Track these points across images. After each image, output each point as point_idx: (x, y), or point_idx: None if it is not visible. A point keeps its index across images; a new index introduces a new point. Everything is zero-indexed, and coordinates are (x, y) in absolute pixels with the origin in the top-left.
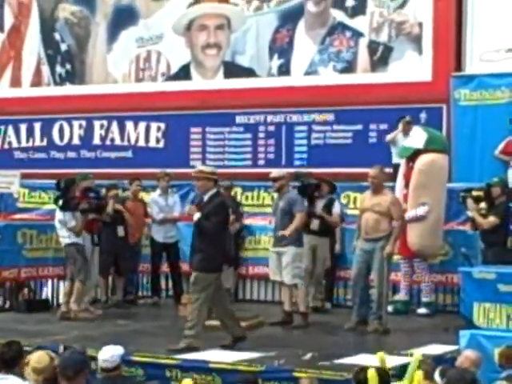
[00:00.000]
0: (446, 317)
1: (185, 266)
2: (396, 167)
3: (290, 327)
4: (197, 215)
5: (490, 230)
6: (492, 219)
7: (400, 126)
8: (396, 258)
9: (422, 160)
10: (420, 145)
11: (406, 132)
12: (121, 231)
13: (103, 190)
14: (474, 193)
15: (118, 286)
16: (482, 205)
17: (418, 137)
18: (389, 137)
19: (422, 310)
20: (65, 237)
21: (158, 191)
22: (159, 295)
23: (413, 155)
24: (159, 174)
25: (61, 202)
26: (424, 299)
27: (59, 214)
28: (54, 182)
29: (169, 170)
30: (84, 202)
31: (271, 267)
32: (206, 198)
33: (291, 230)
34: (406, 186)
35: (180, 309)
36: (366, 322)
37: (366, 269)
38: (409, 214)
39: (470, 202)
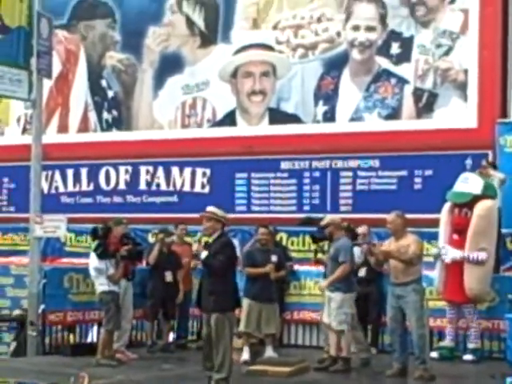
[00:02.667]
0: (493, 363)
1: None
2: None
3: (330, 371)
4: (204, 253)
5: None
6: None
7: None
8: (441, 304)
9: (483, 206)
10: (478, 191)
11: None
12: (169, 276)
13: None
14: None
15: (165, 330)
16: None
17: (474, 182)
18: None
19: (468, 357)
20: (102, 284)
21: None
22: None
23: (469, 201)
24: (201, 215)
25: (100, 250)
26: (470, 345)
27: (96, 262)
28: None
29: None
30: (123, 249)
31: (324, 310)
32: (212, 238)
33: (329, 282)
34: (455, 231)
35: None
36: (406, 369)
37: (400, 314)
38: (469, 256)
39: None
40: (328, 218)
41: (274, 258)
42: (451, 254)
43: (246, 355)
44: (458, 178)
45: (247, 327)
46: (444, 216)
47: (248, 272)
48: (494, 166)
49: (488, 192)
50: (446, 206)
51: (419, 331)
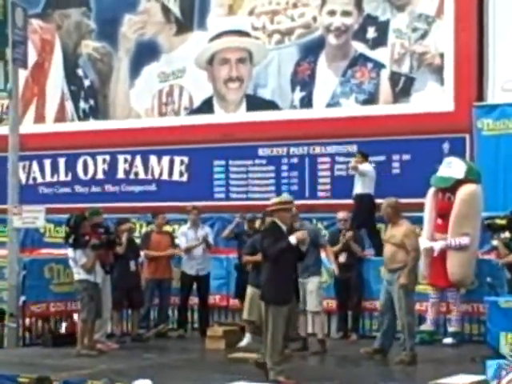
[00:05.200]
0: (473, 347)
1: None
2: (358, 197)
3: (308, 353)
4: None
5: None
6: None
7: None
8: (423, 287)
9: (465, 190)
10: (461, 175)
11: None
12: (133, 265)
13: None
14: (498, 221)
15: (135, 320)
16: (506, 234)
17: (457, 167)
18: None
19: (449, 340)
20: (76, 273)
21: (188, 224)
22: (185, 328)
23: (452, 185)
24: (188, 207)
25: (71, 240)
26: (451, 329)
27: (70, 252)
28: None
29: (192, 203)
30: (94, 238)
31: None
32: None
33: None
34: (439, 216)
35: (207, 342)
36: (385, 352)
37: (390, 299)
38: (450, 243)
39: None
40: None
41: None
42: (437, 247)
43: (245, 341)
44: (442, 163)
45: (250, 315)
46: (428, 201)
47: (245, 260)
48: (366, 157)
49: (471, 176)
50: (431, 191)
51: (404, 319)
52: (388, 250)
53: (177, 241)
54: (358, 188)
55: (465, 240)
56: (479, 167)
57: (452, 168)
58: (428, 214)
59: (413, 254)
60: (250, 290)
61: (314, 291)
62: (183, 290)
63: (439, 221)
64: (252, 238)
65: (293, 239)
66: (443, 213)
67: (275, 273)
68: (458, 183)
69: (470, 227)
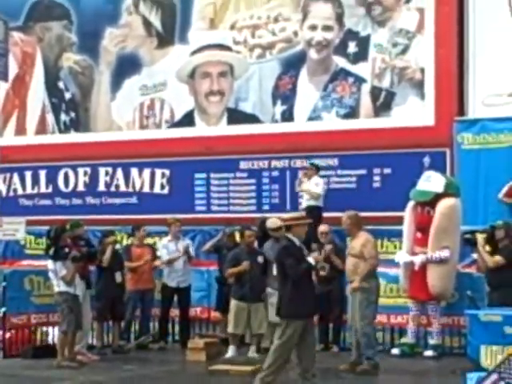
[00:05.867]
0: (453, 359)
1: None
2: (310, 210)
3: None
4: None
5: (496, 272)
6: (498, 258)
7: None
8: (403, 300)
9: (444, 204)
10: (440, 189)
11: (309, 176)
12: (118, 277)
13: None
14: (478, 235)
15: (116, 331)
16: (486, 247)
17: (436, 181)
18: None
19: (429, 353)
20: (56, 285)
21: (169, 237)
22: (166, 340)
23: (431, 199)
24: (170, 219)
25: (51, 251)
26: (431, 341)
27: (50, 264)
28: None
29: (173, 216)
30: (74, 250)
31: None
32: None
33: None
34: (419, 229)
35: (188, 354)
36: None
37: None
38: (431, 256)
39: (479, 239)
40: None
41: (259, 259)
42: (417, 261)
43: (230, 353)
44: (421, 177)
45: (236, 328)
46: (408, 214)
47: (228, 272)
48: (318, 169)
49: (450, 190)
50: (410, 205)
51: (363, 329)
52: (349, 262)
53: (158, 253)
54: (307, 201)
55: (445, 253)
56: (459, 181)
57: (431, 182)
58: (407, 228)
59: (370, 261)
60: (233, 302)
61: None
62: (164, 302)
63: (419, 234)
64: (233, 251)
65: (311, 260)
66: (422, 226)
67: (295, 290)
68: (438, 197)
69: (449, 240)
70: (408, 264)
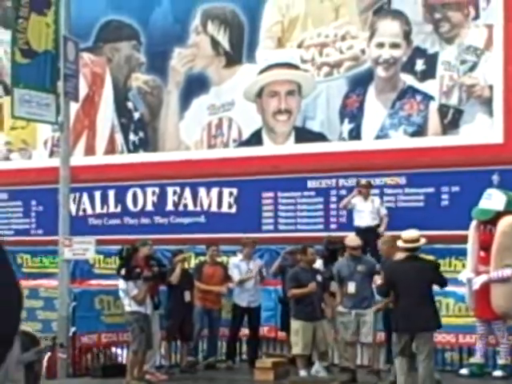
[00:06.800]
0: None
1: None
2: (358, 230)
3: None
4: None
5: None
6: None
7: (355, 191)
8: (471, 320)
9: (506, 222)
10: (501, 207)
11: (364, 195)
12: (187, 296)
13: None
14: None
15: (184, 351)
16: None
17: (497, 199)
18: (343, 202)
19: (499, 373)
20: (127, 305)
21: (240, 256)
22: (234, 360)
23: (492, 218)
24: (245, 239)
25: (123, 272)
26: (500, 361)
27: (122, 283)
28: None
29: (241, 235)
30: (146, 270)
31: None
32: None
33: None
34: (482, 248)
35: (256, 373)
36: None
37: None
38: (493, 275)
39: None
40: None
41: (319, 278)
42: (479, 281)
43: (303, 374)
44: (483, 195)
45: (304, 350)
46: (471, 233)
47: (292, 293)
48: (371, 187)
49: (511, 208)
50: (473, 224)
51: None
52: None
53: (229, 272)
54: (373, 220)
55: (507, 271)
56: None
57: (492, 200)
58: (471, 247)
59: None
60: (298, 323)
61: (370, 323)
62: (234, 321)
63: (482, 253)
64: (292, 270)
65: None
66: (485, 245)
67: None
68: (499, 215)
69: (511, 258)
70: (472, 282)
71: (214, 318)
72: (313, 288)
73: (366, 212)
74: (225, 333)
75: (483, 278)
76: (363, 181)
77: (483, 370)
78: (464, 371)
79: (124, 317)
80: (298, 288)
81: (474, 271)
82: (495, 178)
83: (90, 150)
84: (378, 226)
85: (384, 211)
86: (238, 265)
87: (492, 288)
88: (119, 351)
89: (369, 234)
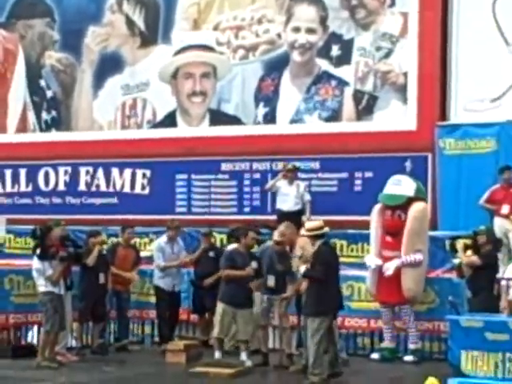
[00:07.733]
0: (434, 364)
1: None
2: (280, 214)
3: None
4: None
5: (476, 278)
6: (474, 258)
7: (280, 174)
8: (375, 305)
9: (417, 208)
10: (411, 193)
11: (290, 179)
12: (102, 278)
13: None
14: (461, 240)
15: (96, 332)
16: (469, 252)
17: (407, 185)
18: (268, 185)
19: (409, 358)
20: (41, 285)
21: (165, 238)
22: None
23: (403, 203)
24: (169, 222)
25: (38, 251)
26: (411, 346)
27: (37, 263)
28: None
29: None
30: (62, 250)
31: None
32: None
33: None
34: (388, 233)
35: (168, 355)
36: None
37: None
38: (406, 259)
39: (459, 244)
40: None
41: (254, 265)
42: (391, 266)
43: (218, 355)
44: (389, 181)
45: (220, 333)
46: (374, 218)
47: (226, 274)
48: (297, 170)
49: (420, 194)
50: (376, 208)
51: None
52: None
53: (143, 254)
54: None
55: (419, 256)
56: (441, 186)
57: (402, 186)
58: (374, 231)
59: None
60: (221, 306)
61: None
62: (160, 304)
63: (388, 238)
64: (229, 250)
65: None
66: (392, 230)
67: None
68: (409, 201)
69: (421, 243)
70: (377, 268)
71: (123, 299)
72: (250, 272)
73: (290, 196)
74: (135, 314)
75: (396, 262)
76: (289, 165)
77: (394, 354)
78: (375, 356)
79: (35, 297)
80: (232, 269)
81: (378, 256)
82: (408, 164)
83: (1, 128)
84: (300, 211)
85: (308, 197)
86: (162, 247)
87: (402, 272)
88: (30, 332)
89: (291, 219)
